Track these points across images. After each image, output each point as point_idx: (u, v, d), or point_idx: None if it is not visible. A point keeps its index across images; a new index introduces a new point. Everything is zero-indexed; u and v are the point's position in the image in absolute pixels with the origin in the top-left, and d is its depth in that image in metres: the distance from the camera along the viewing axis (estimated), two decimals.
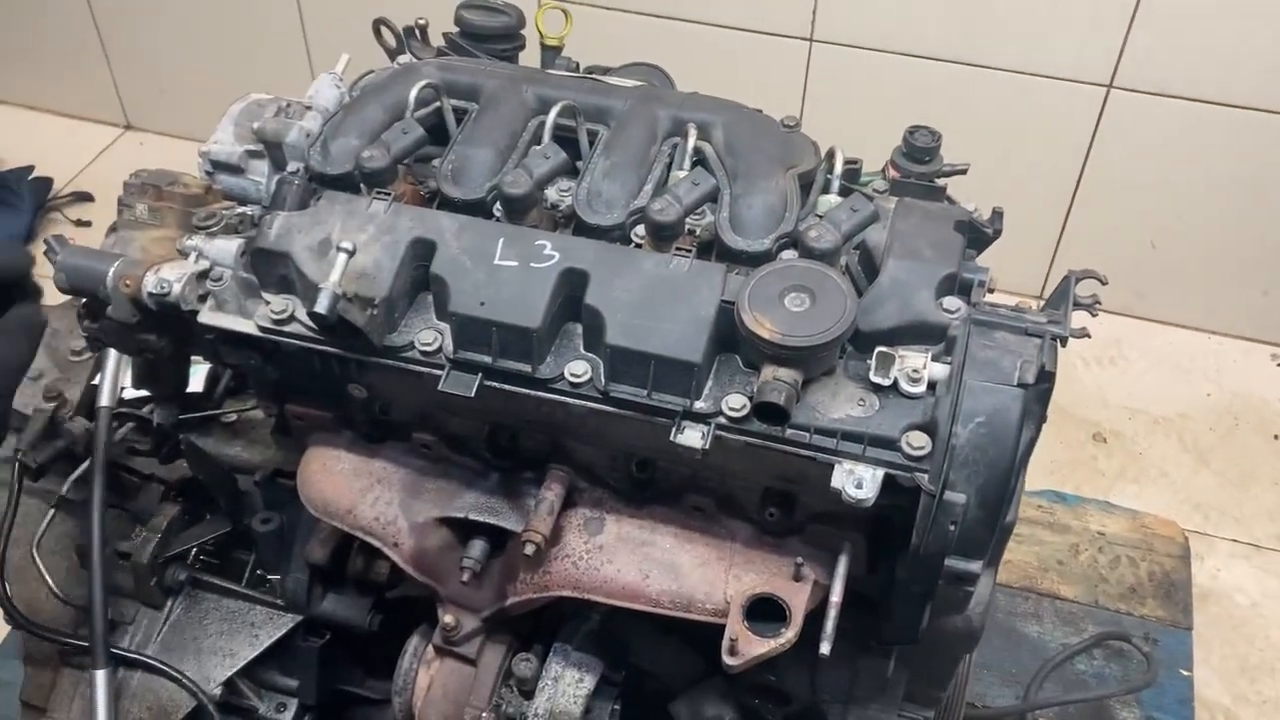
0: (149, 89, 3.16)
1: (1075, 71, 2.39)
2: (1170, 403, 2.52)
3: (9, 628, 1.63)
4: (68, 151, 3.11)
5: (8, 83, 3.27)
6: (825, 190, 1.05)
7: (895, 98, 2.50)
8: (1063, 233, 2.64)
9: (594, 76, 1.20)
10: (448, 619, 1.13)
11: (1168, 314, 2.69)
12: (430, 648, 1.18)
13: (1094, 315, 0.94)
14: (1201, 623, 1.98)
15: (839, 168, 1.05)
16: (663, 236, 0.99)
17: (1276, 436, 2.45)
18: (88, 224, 2.88)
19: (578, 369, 0.95)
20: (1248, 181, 2.45)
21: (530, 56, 1.32)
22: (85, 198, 2.97)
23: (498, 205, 1.04)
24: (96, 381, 1.33)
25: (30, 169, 2.95)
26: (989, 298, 1.00)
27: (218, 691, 1.25)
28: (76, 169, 3.08)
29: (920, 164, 1.06)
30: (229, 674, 1.26)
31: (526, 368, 0.95)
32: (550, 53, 1.32)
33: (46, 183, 2.96)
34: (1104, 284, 0.94)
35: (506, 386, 0.96)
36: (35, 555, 1.28)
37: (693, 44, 2.55)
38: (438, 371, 0.97)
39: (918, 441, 0.89)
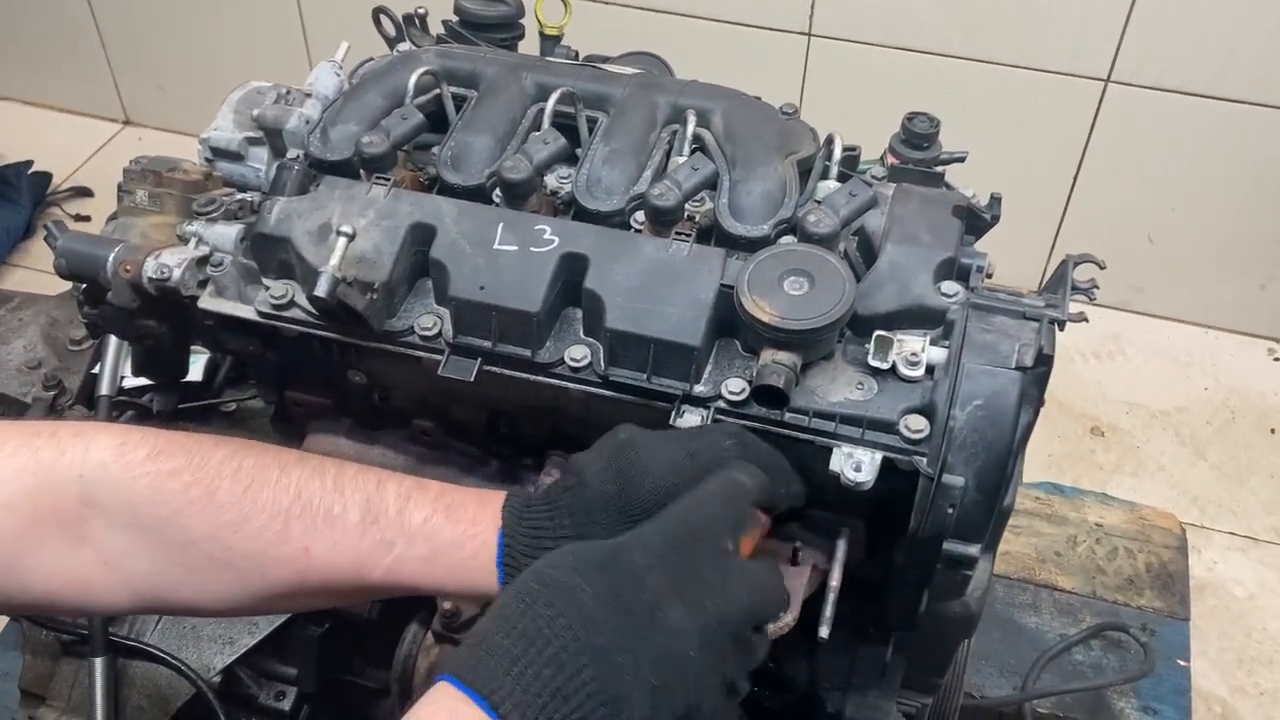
0: (148, 85, 3.17)
1: (1073, 66, 2.40)
2: (1168, 397, 2.53)
3: (7, 619, 1.63)
4: (67, 147, 3.11)
5: (7, 78, 3.27)
6: (824, 176, 1.06)
7: (893, 92, 2.50)
8: (1060, 227, 2.64)
9: (594, 64, 1.21)
10: (446, 605, 1.14)
11: (1165, 309, 2.70)
12: (429, 634, 1.18)
13: (1092, 300, 0.94)
14: (1199, 615, 1.99)
15: (838, 154, 1.05)
16: (662, 221, 0.99)
17: (1273, 430, 2.46)
18: (87, 219, 2.89)
19: (577, 353, 0.95)
20: (1245, 176, 2.45)
21: (529, 46, 1.32)
22: (84, 193, 2.98)
23: (497, 191, 1.04)
24: (96, 370, 1.33)
25: (29, 164, 2.96)
26: (987, 284, 1.00)
27: (217, 679, 1.25)
28: (76, 164, 3.08)
29: (919, 150, 1.06)
30: (228, 662, 1.25)
31: (526, 352, 0.95)
32: (549, 42, 1.32)
33: (45, 177, 2.97)
34: (1102, 268, 0.94)
35: (506, 371, 0.96)
36: None
37: (692, 38, 2.56)
38: (437, 356, 0.97)
39: (916, 425, 0.89)
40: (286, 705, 1.30)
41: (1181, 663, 1.76)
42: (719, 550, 0.78)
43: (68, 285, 1.51)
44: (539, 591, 0.72)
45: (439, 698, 0.69)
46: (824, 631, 0.95)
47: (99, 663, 1.24)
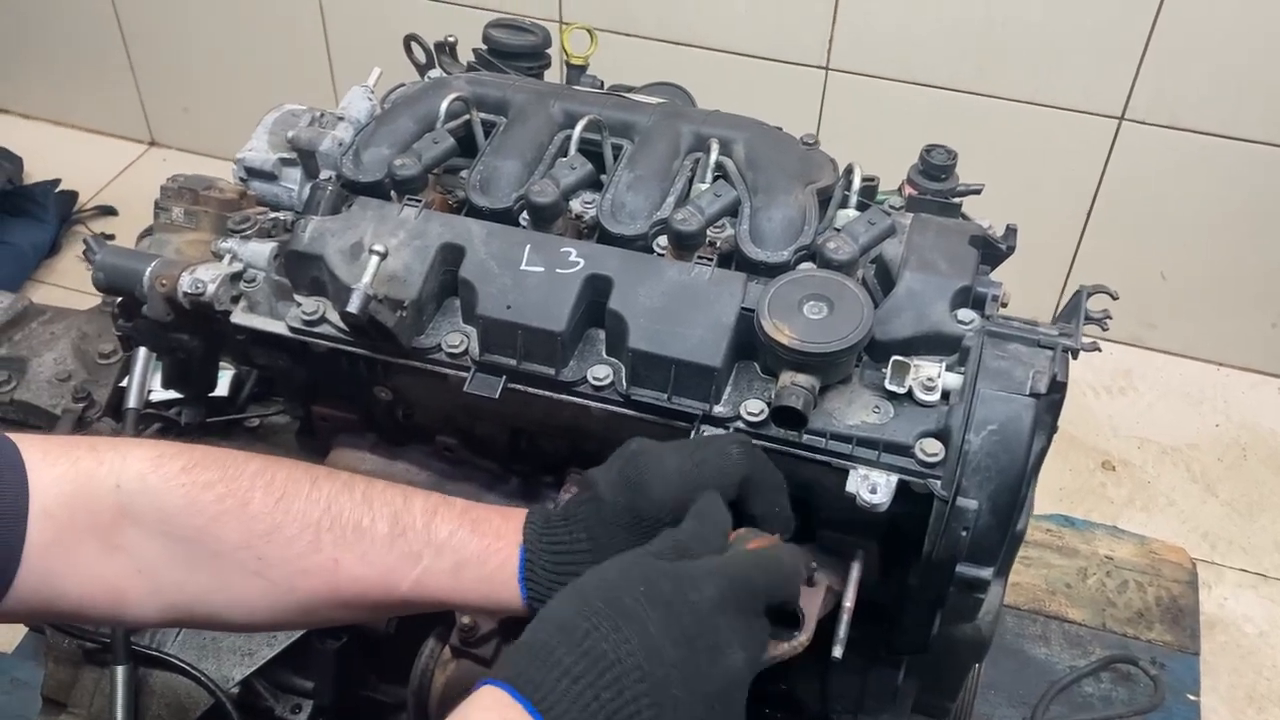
0: (173, 106, 3.22)
1: (1087, 103, 2.42)
2: (1179, 433, 2.53)
3: (25, 630, 1.65)
4: (93, 166, 3.16)
5: (36, 98, 3.32)
6: (843, 205, 1.08)
7: (909, 126, 2.53)
8: (1073, 263, 2.66)
9: (619, 94, 1.23)
10: (465, 620, 1.15)
11: (1177, 345, 2.71)
12: (446, 649, 1.19)
13: (1105, 329, 0.96)
14: (1209, 651, 1.99)
15: (857, 184, 1.08)
16: (685, 245, 1.01)
17: None
18: (111, 237, 2.92)
19: (600, 372, 0.97)
20: (1257, 214, 2.47)
21: (555, 76, 1.35)
22: (109, 212, 3.02)
23: (524, 215, 1.07)
24: (124, 384, 1.36)
25: (56, 183, 3.00)
26: (1002, 313, 1.02)
27: (235, 690, 1.26)
28: (101, 184, 3.13)
29: (936, 181, 1.08)
30: (246, 674, 1.27)
31: (550, 371, 0.98)
32: (575, 71, 1.36)
33: (71, 196, 3.01)
34: (1115, 299, 0.96)
35: (530, 389, 0.99)
36: None
37: (712, 71, 2.59)
38: (463, 373, 1.00)
39: (931, 448, 0.91)
40: (302, 719, 1.31)
41: (1191, 697, 1.76)
42: (763, 603, 0.80)
43: (96, 301, 1.54)
44: (605, 613, 0.72)
45: (489, 703, 0.69)
46: (838, 652, 0.96)
47: (120, 671, 1.25)
